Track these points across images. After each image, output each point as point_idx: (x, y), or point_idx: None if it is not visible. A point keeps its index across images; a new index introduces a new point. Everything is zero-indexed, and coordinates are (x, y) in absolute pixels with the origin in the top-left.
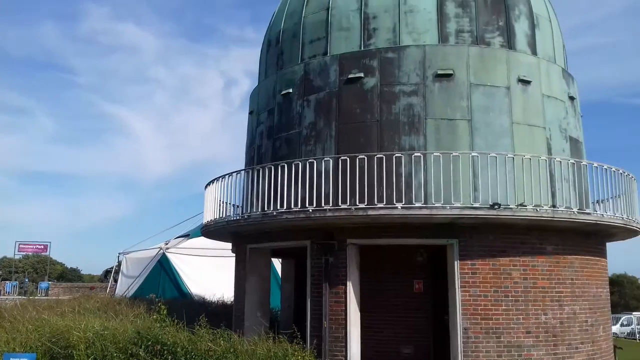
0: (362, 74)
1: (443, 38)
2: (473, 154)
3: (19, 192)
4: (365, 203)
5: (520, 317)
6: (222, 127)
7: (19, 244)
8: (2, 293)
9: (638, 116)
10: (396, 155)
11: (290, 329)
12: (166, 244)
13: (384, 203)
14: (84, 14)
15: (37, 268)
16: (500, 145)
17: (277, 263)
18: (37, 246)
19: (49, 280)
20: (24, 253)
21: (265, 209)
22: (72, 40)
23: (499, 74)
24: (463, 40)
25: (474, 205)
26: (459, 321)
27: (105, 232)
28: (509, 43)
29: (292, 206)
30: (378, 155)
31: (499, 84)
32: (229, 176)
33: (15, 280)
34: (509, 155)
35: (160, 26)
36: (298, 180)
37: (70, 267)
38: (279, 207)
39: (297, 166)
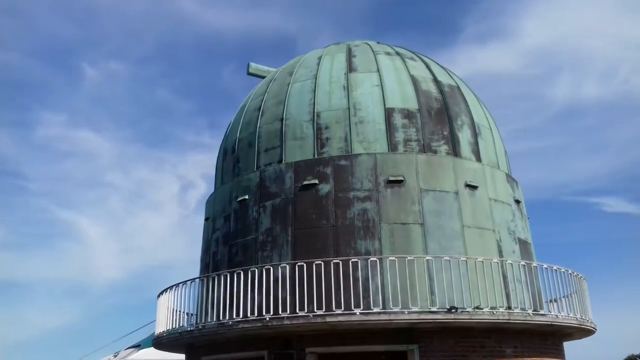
0: (316, 181)
1: (392, 146)
2: (427, 258)
3: None
4: (324, 309)
5: None
6: (177, 230)
7: None
8: None
9: (583, 213)
10: (352, 260)
11: None
12: (115, 355)
13: (342, 309)
14: (38, 122)
15: None
16: (453, 248)
17: None
18: None
19: None
20: None
21: (221, 317)
22: (25, 147)
23: (447, 179)
24: (411, 149)
25: (431, 310)
26: None
27: (53, 342)
28: (455, 151)
29: (249, 314)
30: (335, 261)
31: (448, 189)
32: (182, 284)
33: None
34: (462, 259)
35: (117, 132)
36: (255, 287)
37: None
38: (234, 316)
39: (253, 273)
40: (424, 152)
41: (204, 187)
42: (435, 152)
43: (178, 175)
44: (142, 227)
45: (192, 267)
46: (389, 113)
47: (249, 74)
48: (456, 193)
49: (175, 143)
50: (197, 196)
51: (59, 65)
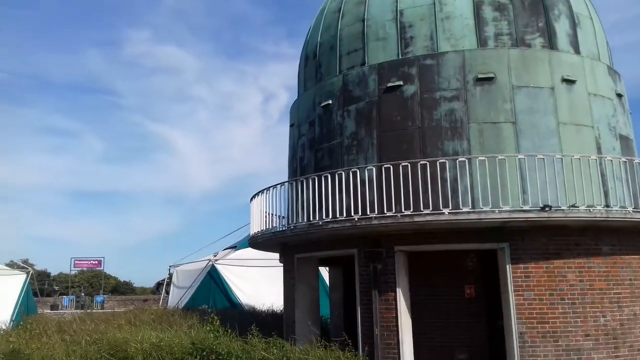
0: (401, 82)
1: (482, 42)
2: (520, 157)
3: (72, 211)
4: (411, 210)
5: (578, 320)
6: (262, 140)
7: (74, 260)
8: (60, 307)
9: None
10: (440, 161)
11: (340, 336)
12: (215, 255)
13: (430, 209)
14: (125, 40)
15: (92, 282)
16: (548, 146)
17: (324, 272)
18: (91, 261)
19: (104, 294)
20: (79, 269)
21: (311, 219)
22: (116, 64)
23: (541, 75)
24: (503, 43)
25: (523, 208)
26: (514, 326)
27: (155, 246)
28: (550, 43)
29: (338, 215)
30: (421, 162)
31: (543, 84)
32: (273, 188)
33: (72, 294)
34: (557, 156)
35: (199, 46)
36: (342, 190)
37: (123, 281)
38: (324, 217)
39: (340, 176)
40: (517, 46)
41: (285, 98)
42: (529, 45)
43: (260, 86)
44: (229, 138)
45: (278, 175)
46: (477, 6)
47: None
48: (552, 89)
49: (255, 54)
50: (280, 106)
51: None
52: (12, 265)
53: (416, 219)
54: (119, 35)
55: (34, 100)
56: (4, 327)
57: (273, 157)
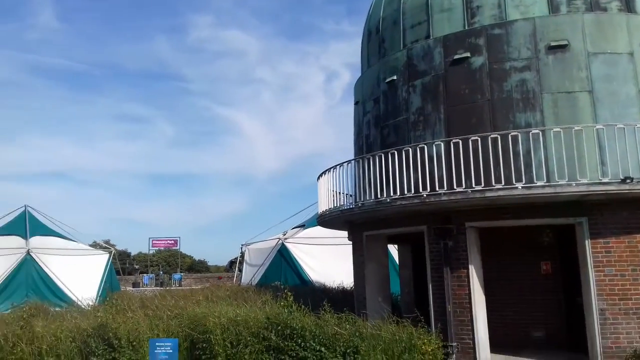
0: (468, 54)
1: (553, 8)
2: (597, 127)
3: (148, 193)
4: (482, 185)
5: None
6: (325, 120)
7: (152, 240)
8: (140, 285)
9: None
10: (512, 134)
11: (411, 313)
12: (284, 234)
13: (503, 184)
14: (190, 26)
15: (169, 261)
16: (627, 115)
17: (392, 249)
18: (168, 241)
19: (181, 272)
20: (157, 248)
21: (378, 196)
22: (182, 50)
23: (619, 40)
24: (576, 8)
25: (602, 181)
26: (595, 303)
27: (226, 226)
28: (628, 6)
29: (406, 192)
30: (492, 136)
31: (621, 50)
32: (339, 166)
33: (151, 273)
34: (638, 126)
35: (261, 29)
36: (409, 166)
37: (198, 259)
38: (392, 194)
39: (407, 152)
40: (591, 10)
41: (347, 76)
42: (604, 9)
43: (321, 66)
44: (293, 119)
45: (342, 154)
46: None
47: None
48: (631, 54)
49: (316, 34)
50: (342, 85)
51: None
52: (95, 245)
53: (487, 194)
54: (185, 21)
55: (110, 89)
56: (91, 302)
57: (336, 136)
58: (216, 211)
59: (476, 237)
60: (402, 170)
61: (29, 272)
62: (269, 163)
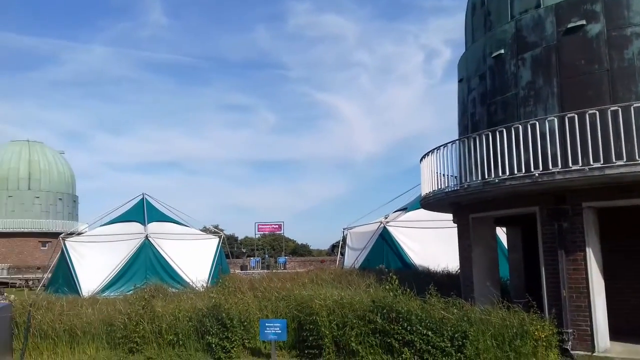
0: (583, 22)
1: None
2: None
3: (253, 180)
4: (601, 161)
5: None
6: (425, 100)
7: (258, 225)
8: (248, 268)
9: None
10: (634, 105)
11: (521, 298)
12: (386, 218)
13: (624, 160)
14: (288, 12)
15: (273, 245)
16: None
17: (500, 233)
18: (272, 226)
19: (285, 256)
20: (262, 232)
21: (486, 176)
22: (281, 38)
23: None
24: None
25: None
26: None
27: (327, 210)
28: None
29: (515, 172)
30: (612, 108)
31: None
32: (443, 147)
33: (258, 256)
34: None
35: (359, 11)
36: (519, 144)
37: (301, 243)
38: (500, 174)
39: (516, 130)
40: None
41: (448, 54)
42: None
43: (421, 45)
44: (392, 101)
45: (444, 135)
46: None
47: None
48: None
49: (414, 12)
50: (443, 64)
51: None
52: (205, 230)
53: (607, 171)
54: (284, 9)
55: (214, 79)
56: (204, 284)
57: (437, 117)
58: (317, 196)
59: (594, 218)
60: (512, 149)
61: (147, 256)
62: (369, 146)
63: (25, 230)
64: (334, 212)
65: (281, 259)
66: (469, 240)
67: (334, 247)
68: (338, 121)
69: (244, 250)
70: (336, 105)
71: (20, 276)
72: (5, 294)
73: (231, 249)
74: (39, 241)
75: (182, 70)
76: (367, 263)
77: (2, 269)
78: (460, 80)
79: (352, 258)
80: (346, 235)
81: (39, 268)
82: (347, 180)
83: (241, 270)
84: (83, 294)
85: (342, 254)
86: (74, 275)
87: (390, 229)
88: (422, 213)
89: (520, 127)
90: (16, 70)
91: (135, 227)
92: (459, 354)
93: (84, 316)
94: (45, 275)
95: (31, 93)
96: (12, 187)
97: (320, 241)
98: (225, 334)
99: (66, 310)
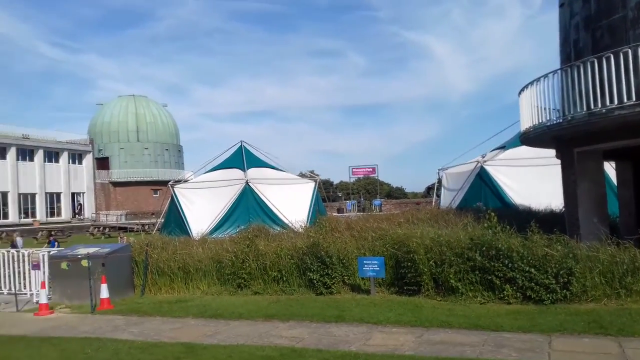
0: None
1: None
2: None
3: (344, 124)
4: None
5: None
6: (522, 33)
7: (352, 169)
8: (344, 211)
9: None
10: None
11: (634, 235)
12: (483, 157)
13: None
14: None
15: (368, 189)
16: None
17: (608, 168)
18: (366, 169)
19: (380, 199)
20: (356, 176)
21: (591, 107)
22: None
23: None
24: None
25: None
26: None
27: (421, 152)
28: None
29: (625, 100)
30: None
31: None
32: (544, 78)
33: (353, 199)
34: None
35: None
36: (629, 71)
37: (395, 187)
38: (607, 104)
39: (625, 55)
40: None
41: None
42: None
43: None
44: (486, 36)
45: (543, 69)
46: None
47: None
48: None
49: None
50: None
51: None
52: (301, 175)
53: None
54: None
55: (303, 26)
56: (303, 225)
57: (536, 50)
58: (410, 138)
59: None
60: (620, 76)
61: (248, 200)
62: (462, 85)
63: (138, 179)
64: (427, 154)
65: (376, 202)
66: (574, 176)
67: (429, 189)
68: (429, 61)
69: (339, 194)
70: (427, 44)
71: (137, 221)
72: (124, 236)
73: (327, 193)
74: (151, 189)
75: (271, 18)
76: (465, 203)
77: (121, 215)
78: (561, 5)
79: (448, 199)
80: (441, 176)
81: (152, 213)
82: (441, 121)
83: (337, 213)
84: (193, 235)
85: (438, 195)
86: (184, 219)
87: (488, 168)
88: (521, 150)
89: (629, 51)
90: (118, 29)
91: (235, 173)
92: (564, 291)
93: (195, 255)
94: (159, 220)
95: (133, 50)
96: (122, 139)
97: (414, 184)
98: (326, 270)
99: (179, 250)
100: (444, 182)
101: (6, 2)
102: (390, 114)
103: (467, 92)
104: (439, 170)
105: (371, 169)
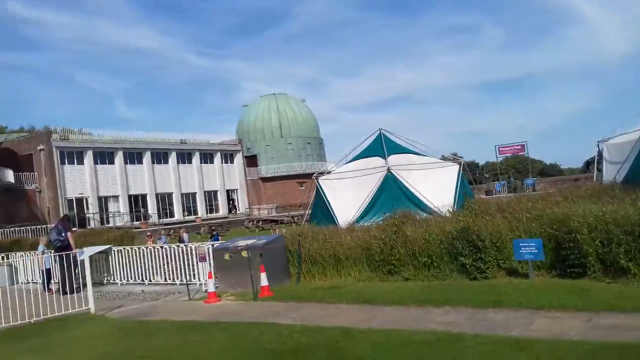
0: None
1: None
2: None
3: (485, 102)
4: None
5: None
6: None
7: (499, 148)
8: (493, 193)
9: None
10: None
11: None
12: None
13: None
14: None
15: (517, 168)
16: None
17: None
18: (514, 147)
19: (532, 177)
20: (503, 155)
21: None
22: None
23: None
24: None
25: None
26: None
27: (575, 125)
28: None
29: None
30: None
31: None
32: None
33: (502, 180)
34: None
35: None
36: None
37: (549, 163)
38: None
39: None
40: None
41: None
42: None
43: None
44: None
45: None
46: None
47: None
48: None
49: None
50: None
51: None
52: (444, 159)
53: None
54: None
55: (430, 5)
56: (450, 209)
57: None
58: (561, 110)
59: None
60: None
61: (392, 187)
62: (619, 47)
63: (284, 173)
64: (583, 126)
65: (528, 181)
66: None
67: (589, 163)
68: (578, 24)
69: (486, 175)
70: (574, 5)
71: (286, 214)
72: (276, 228)
73: (473, 175)
74: (297, 182)
75: (399, 2)
76: (632, 175)
77: (271, 208)
78: None
79: (611, 173)
80: (602, 149)
81: (300, 205)
82: (595, 89)
83: (486, 195)
84: (340, 224)
85: (599, 170)
86: (330, 209)
87: None
88: None
89: None
90: (256, 31)
91: (376, 161)
92: None
93: (344, 243)
94: (307, 211)
95: (270, 50)
96: (267, 136)
97: (570, 159)
98: (478, 255)
99: (329, 239)
100: (605, 154)
101: (154, 19)
102: (536, 87)
103: (625, 54)
104: (598, 142)
105: (520, 147)
